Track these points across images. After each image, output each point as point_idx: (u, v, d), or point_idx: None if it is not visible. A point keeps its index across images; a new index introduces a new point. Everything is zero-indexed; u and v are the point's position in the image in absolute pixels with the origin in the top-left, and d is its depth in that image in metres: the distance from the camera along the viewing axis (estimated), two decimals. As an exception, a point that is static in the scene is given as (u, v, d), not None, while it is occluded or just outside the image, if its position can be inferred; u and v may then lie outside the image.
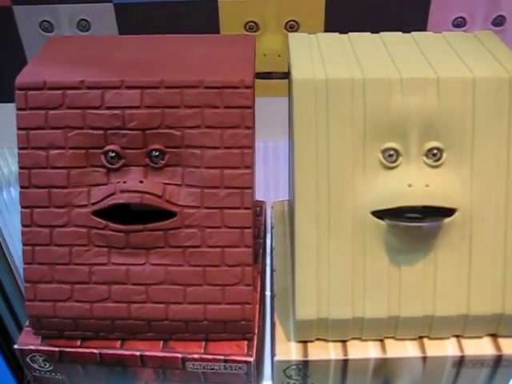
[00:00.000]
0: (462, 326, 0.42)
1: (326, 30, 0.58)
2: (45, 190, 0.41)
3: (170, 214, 0.41)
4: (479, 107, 0.39)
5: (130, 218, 0.41)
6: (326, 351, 0.42)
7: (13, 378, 0.69)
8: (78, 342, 0.43)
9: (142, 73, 0.41)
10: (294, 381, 0.43)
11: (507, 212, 0.40)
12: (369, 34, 0.46)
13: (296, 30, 0.59)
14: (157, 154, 0.41)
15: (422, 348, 0.42)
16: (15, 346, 0.44)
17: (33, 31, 0.60)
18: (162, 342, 0.43)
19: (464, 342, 0.42)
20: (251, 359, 0.42)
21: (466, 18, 0.58)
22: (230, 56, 0.44)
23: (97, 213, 0.41)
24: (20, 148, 0.41)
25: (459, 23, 0.58)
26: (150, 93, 0.40)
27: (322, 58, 0.42)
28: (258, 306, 0.45)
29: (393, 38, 0.45)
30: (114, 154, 0.41)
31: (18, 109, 0.41)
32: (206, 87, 0.40)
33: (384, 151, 0.40)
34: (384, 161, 0.40)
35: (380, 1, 0.57)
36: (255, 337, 0.43)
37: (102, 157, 0.41)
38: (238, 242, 0.41)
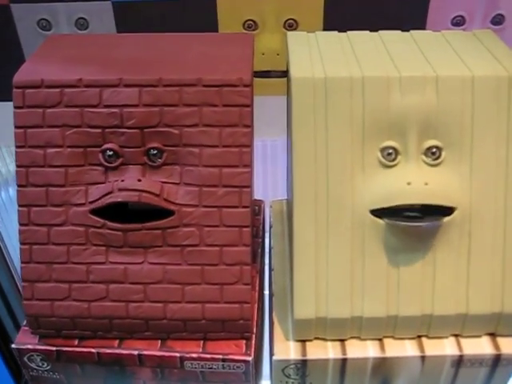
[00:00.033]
0: (460, 325, 0.42)
1: (325, 29, 0.58)
2: (42, 188, 0.41)
3: (168, 213, 0.41)
4: (478, 106, 0.39)
5: (128, 217, 0.41)
6: (324, 350, 0.42)
7: (11, 378, 0.68)
8: (76, 342, 0.43)
9: (140, 71, 0.41)
10: (292, 380, 0.43)
11: (506, 211, 0.40)
12: (368, 32, 0.46)
13: (295, 29, 0.59)
14: (155, 152, 0.41)
15: (421, 347, 0.42)
16: (13, 346, 0.43)
17: (31, 29, 0.60)
18: (160, 342, 0.43)
19: (463, 341, 0.42)
20: (249, 358, 0.42)
21: (465, 16, 0.58)
22: (228, 54, 0.43)
23: (94, 211, 0.41)
24: (17, 146, 0.41)
25: (458, 22, 0.58)
26: (148, 91, 0.40)
27: (320, 56, 0.42)
28: (256, 305, 0.45)
29: (392, 37, 0.45)
30: (111, 153, 0.41)
31: (16, 107, 0.41)
32: (205, 85, 0.40)
33: (383, 150, 0.40)
34: (383, 159, 0.40)
35: (379, -1, 0.57)
36: (253, 336, 0.43)
37: (100, 155, 0.41)
38: (237, 241, 0.41)
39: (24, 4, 0.58)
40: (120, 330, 0.43)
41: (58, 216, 0.41)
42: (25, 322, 0.44)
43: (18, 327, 0.66)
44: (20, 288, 0.65)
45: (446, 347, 0.42)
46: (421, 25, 0.58)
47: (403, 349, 0.42)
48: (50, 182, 0.41)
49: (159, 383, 0.44)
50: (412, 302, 0.41)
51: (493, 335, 0.42)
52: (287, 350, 0.42)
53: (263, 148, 0.69)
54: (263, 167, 0.71)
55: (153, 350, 0.43)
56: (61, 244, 0.41)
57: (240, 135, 0.40)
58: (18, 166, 0.41)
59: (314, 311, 0.41)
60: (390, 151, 0.40)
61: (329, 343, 0.42)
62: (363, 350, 0.42)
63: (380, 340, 0.43)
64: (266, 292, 0.52)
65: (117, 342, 0.43)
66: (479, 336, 0.42)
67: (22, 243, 0.42)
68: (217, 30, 0.59)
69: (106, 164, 0.41)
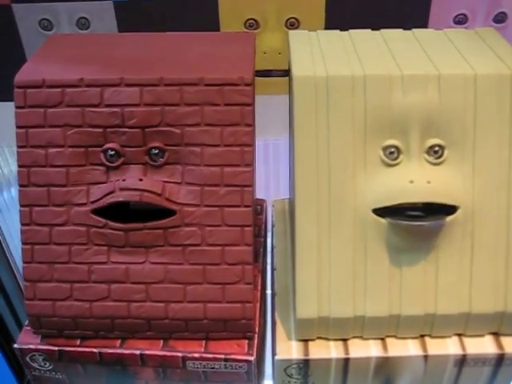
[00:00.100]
0: (463, 325, 0.42)
1: (327, 27, 0.58)
2: (44, 188, 0.41)
3: (169, 213, 0.41)
4: (480, 104, 0.39)
5: (130, 217, 0.41)
6: (327, 350, 0.42)
7: (13, 377, 0.69)
8: (78, 341, 0.43)
9: (142, 70, 0.41)
10: (294, 380, 0.43)
11: (509, 209, 0.40)
12: (369, 30, 0.46)
13: (296, 28, 0.59)
14: (156, 151, 0.41)
15: (424, 347, 0.42)
16: (15, 346, 0.43)
17: (32, 29, 0.60)
18: (162, 341, 0.43)
19: (466, 340, 0.42)
20: (252, 358, 0.42)
21: (467, 14, 0.58)
22: (229, 53, 0.43)
23: (96, 211, 0.41)
24: (19, 146, 0.41)
25: (460, 20, 0.58)
26: (149, 90, 0.40)
27: (322, 55, 0.42)
28: (258, 305, 0.45)
29: (394, 35, 0.45)
30: (113, 152, 0.41)
31: (17, 107, 0.41)
32: (206, 84, 0.40)
33: (385, 148, 0.39)
34: (385, 158, 0.40)
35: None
36: (256, 336, 0.43)
37: (102, 155, 0.41)
38: (239, 241, 0.41)
39: (25, 4, 0.58)
40: (122, 330, 0.43)
41: (60, 216, 0.41)
42: (27, 322, 0.44)
43: (20, 327, 0.66)
44: (22, 288, 0.65)
45: (448, 347, 0.42)
46: (423, 23, 0.58)
47: (406, 348, 0.42)
48: (52, 182, 0.41)
49: (161, 383, 0.44)
50: (415, 301, 0.41)
51: (496, 334, 0.42)
52: (289, 349, 0.42)
53: (265, 147, 0.69)
54: (265, 166, 0.71)
55: (155, 349, 0.43)
56: (62, 244, 0.41)
57: (241, 134, 0.40)
58: (19, 166, 0.41)
59: (317, 311, 0.41)
60: (392, 150, 0.39)
61: (331, 343, 0.42)
62: (366, 349, 0.42)
63: (383, 339, 0.42)
64: (269, 291, 0.52)
65: (119, 341, 0.43)
66: (482, 335, 0.42)
67: (23, 243, 0.42)
68: (218, 29, 0.59)
69: (108, 164, 0.41)
